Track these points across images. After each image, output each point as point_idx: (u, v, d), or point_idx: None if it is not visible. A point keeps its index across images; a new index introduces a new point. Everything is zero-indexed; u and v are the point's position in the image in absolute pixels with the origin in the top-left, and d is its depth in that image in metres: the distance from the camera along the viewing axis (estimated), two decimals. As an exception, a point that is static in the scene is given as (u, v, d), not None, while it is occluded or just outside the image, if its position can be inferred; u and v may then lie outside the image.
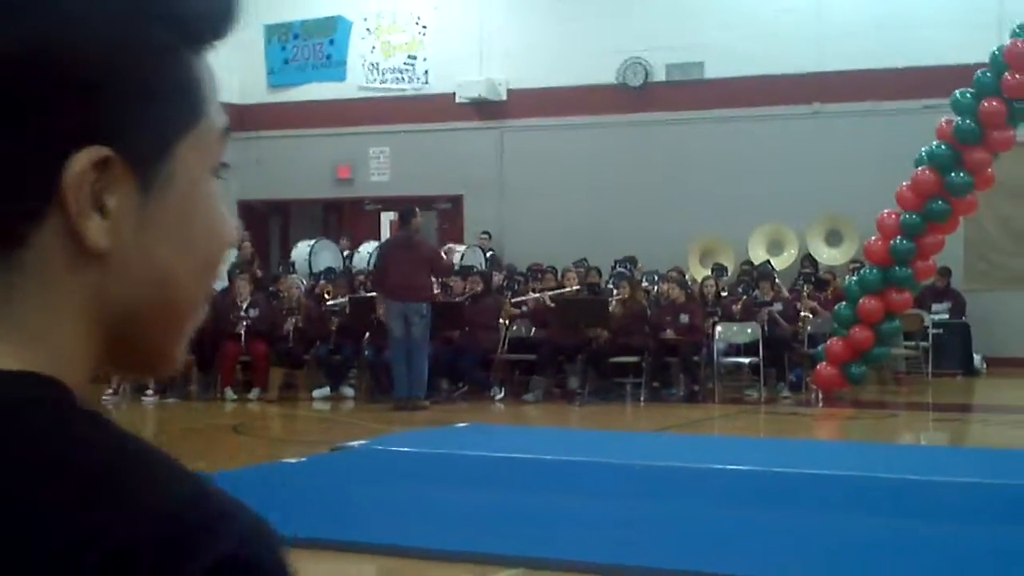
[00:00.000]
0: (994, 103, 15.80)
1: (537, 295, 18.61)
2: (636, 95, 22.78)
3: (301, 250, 22.19)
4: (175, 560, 0.92)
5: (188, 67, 1.06)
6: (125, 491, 0.94)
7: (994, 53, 15.99)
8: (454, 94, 23.95)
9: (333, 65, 25.22)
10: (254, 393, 17.54)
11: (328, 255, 22.03)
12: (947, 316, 19.84)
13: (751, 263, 20.86)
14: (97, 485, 0.94)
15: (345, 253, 22.44)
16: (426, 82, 24.49)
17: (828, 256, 21.24)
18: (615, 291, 18.26)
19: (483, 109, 23.89)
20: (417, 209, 17.51)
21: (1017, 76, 15.62)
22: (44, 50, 0.96)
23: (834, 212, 21.09)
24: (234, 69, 25.51)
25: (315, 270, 21.08)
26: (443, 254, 18.04)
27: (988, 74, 15.95)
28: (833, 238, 21.44)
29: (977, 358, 19.88)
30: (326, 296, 18.68)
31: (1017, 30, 15.83)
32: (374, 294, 17.42)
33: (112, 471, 0.95)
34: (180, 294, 1.04)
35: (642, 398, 17.17)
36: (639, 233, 21.85)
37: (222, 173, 1.11)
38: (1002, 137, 16.02)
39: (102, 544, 0.91)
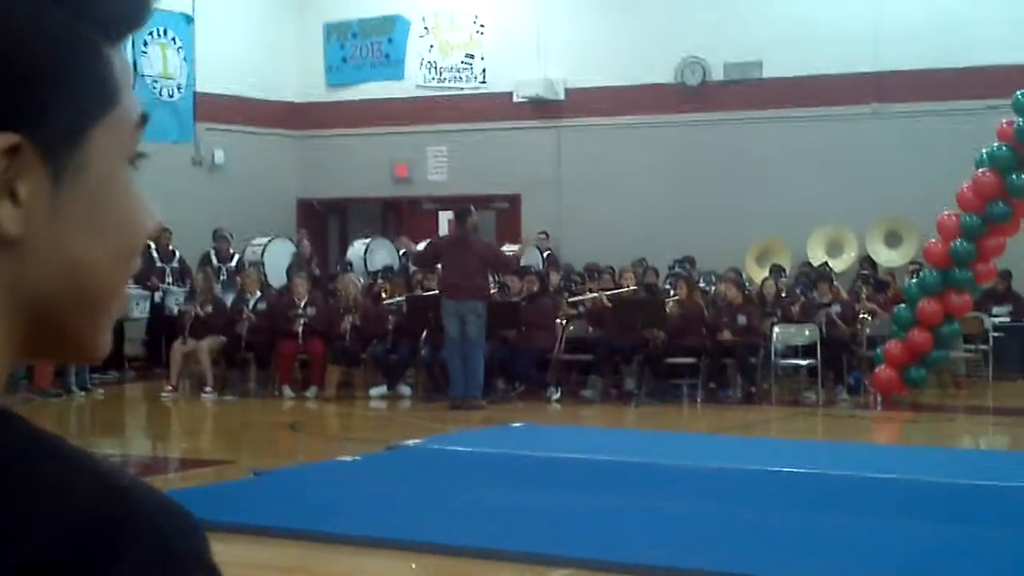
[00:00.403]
0: (1057, 104, 15.65)
1: (594, 295, 18.57)
2: (694, 94, 22.70)
3: (357, 249, 22.23)
4: (97, 563, 0.90)
5: (99, 55, 1.04)
6: (36, 491, 0.92)
7: (1057, 53, 15.84)
8: (512, 93, 23.95)
9: (391, 64, 25.27)
10: (311, 391, 17.60)
11: (384, 254, 22.05)
12: (1008, 319, 19.64)
13: (810, 264, 20.74)
14: (3, 486, 0.92)
15: (401, 252, 22.47)
16: (484, 81, 24.50)
17: (887, 257, 21.08)
18: (672, 291, 18.21)
19: (541, 108, 23.87)
20: (473, 208, 17.52)
21: (1080, 77, 15.48)
22: None
23: (893, 213, 20.94)
24: (292, 68, 25.70)
25: (371, 269, 21.12)
26: (503, 251, 17.97)
27: (1051, 74, 15.80)
28: (892, 239, 21.28)
29: (1038, 361, 19.69)
30: (383, 295, 18.72)
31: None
32: (431, 293, 17.46)
33: (21, 470, 0.94)
34: (95, 282, 1.03)
35: (699, 399, 17.13)
36: (696, 233, 21.78)
37: (136, 162, 1.10)
38: (1064, 138, 15.87)
39: (16, 552, 0.89)
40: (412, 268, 20.06)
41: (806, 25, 21.69)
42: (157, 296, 20.09)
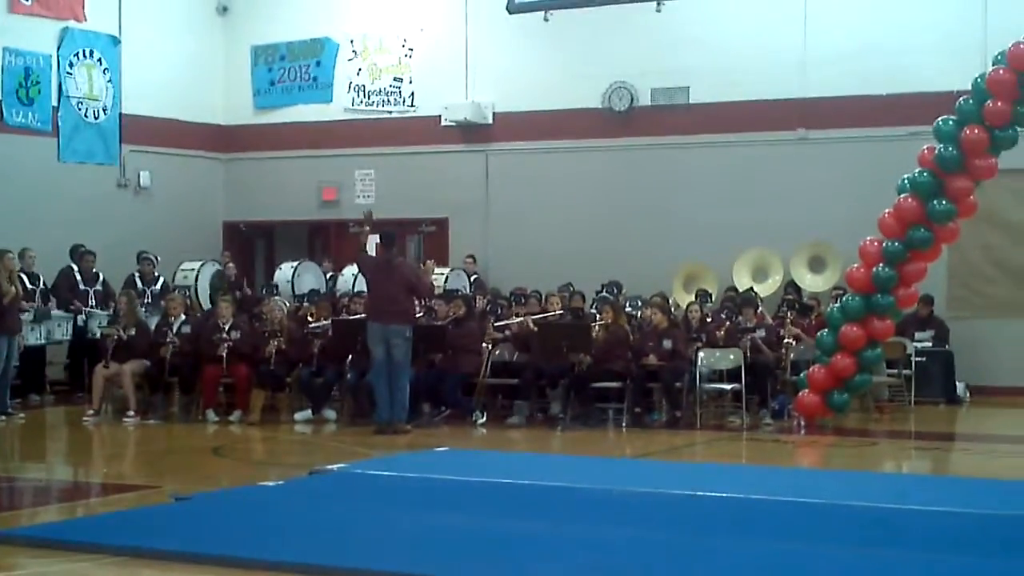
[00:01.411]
0: (976, 131, 15.83)
1: (520, 319, 18.59)
2: (621, 119, 22.80)
3: (284, 272, 22.14)
4: None
5: None
6: None
7: (976, 81, 16.01)
8: (440, 117, 23.98)
9: (319, 87, 25.24)
10: (235, 416, 17.47)
11: (311, 277, 21.98)
12: (930, 344, 19.85)
13: (735, 289, 20.85)
14: None
15: (328, 275, 22.40)
16: (412, 105, 24.50)
17: (810, 283, 21.23)
18: (598, 316, 18.24)
19: (469, 132, 23.91)
20: (396, 232, 17.51)
21: (999, 104, 15.66)
22: None
23: (817, 238, 21.10)
24: (220, 90, 25.60)
25: (298, 292, 21.03)
26: (422, 275, 17.93)
27: (970, 101, 15.98)
28: (816, 265, 21.43)
29: (960, 386, 19.88)
30: (309, 318, 18.64)
31: (999, 57, 15.86)
32: (357, 317, 17.38)
33: None
34: None
35: (624, 424, 17.15)
36: (623, 258, 21.88)
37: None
38: (984, 165, 16.05)
39: None
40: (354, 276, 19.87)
41: (733, 52, 21.86)
42: (80, 319, 19.92)
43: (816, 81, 21.41)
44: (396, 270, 16.60)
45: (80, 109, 22.81)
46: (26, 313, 18.70)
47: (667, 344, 17.34)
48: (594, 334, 17.57)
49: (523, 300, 19.77)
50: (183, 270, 21.60)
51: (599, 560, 8.51)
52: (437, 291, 19.42)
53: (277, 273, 22.52)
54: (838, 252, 20.58)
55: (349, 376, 17.72)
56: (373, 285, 16.66)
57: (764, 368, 17.69)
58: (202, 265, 21.71)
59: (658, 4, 21.93)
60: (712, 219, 21.76)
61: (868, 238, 16.68)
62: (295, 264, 22.37)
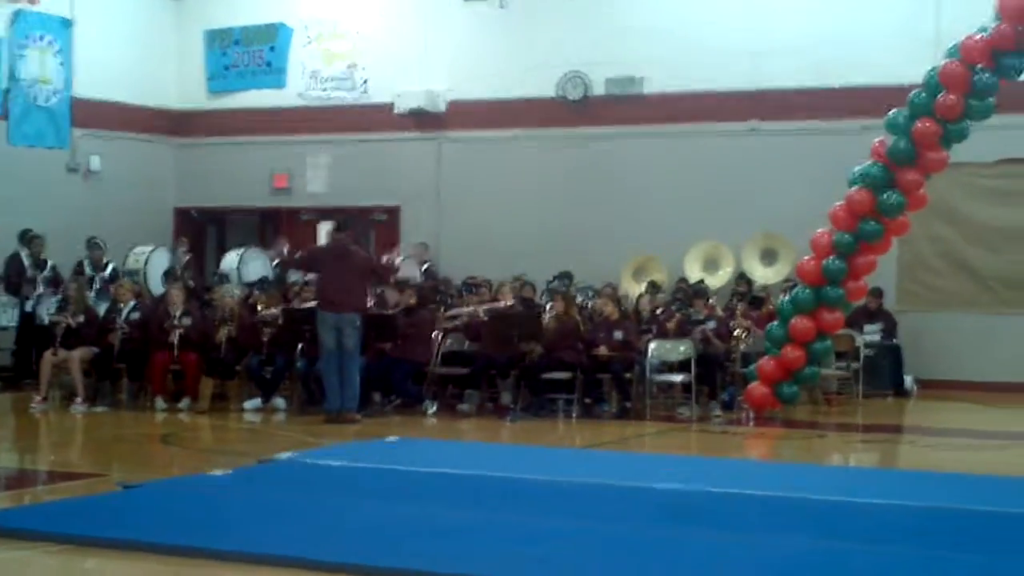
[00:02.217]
0: (928, 124, 15.91)
1: (471, 308, 18.57)
2: (575, 109, 22.81)
3: (230, 259, 22.02)
4: None
5: None
6: None
7: (929, 73, 16.08)
8: (393, 104, 23.91)
9: (273, 72, 25.14)
10: (184, 403, 17.39)
11: (258, 265, 21.86)
12: (879, 337, 19.95)
13: (686, 280, 20.89)
14: None
15: (275, 262, 22.31)
16: (365, 91, 24.43)
17: (762, 275, 21.31)
18: (549, 306, 18.24)
19: (422, 120, 23.86)
20: (351, 219, 17.44)
21: (951, 97, 15.73)
22: None
23: (769, 230, 21.17)
24: (173, 74, 25.46)
25: (244, 280, 20.92)
26: (383, 257, 17.88)
27: (923, 95, 16.05)
28: (767, 257, 21.51)
29: (908, 379, 20.01)
30: (259, 307, 18.55)
31: (952, 50, 15.93)
32: (308, 305, 17.30)
33: None
34: None
35: (574, 414, 17.16)
36: (574, 247, 21.91)
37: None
38: (936, 158, 16.13)
39: None
40: (283, 272, 19.90)
41: (687, 42, 21.91)
42: (28, 305, 19.77)
43: (769, 72, 21.48)
44: (350, 257, 16.54)
45: (31, 92, 22.65)
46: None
47: (618, 335, 17.35)
48: (545, 324, 17.57)
49: (474, 289, 19.76)
50: (134, 254, 21.46)
51: (547, 551, 8.51)
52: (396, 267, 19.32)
53: (223, 260, 22.40)
54: (790, 244, 20.65)
55: (299, 365, 17.66)
56: (326, 273, 16.57)
57: (714, 360, 17.74)
58: (152, 250, 21.59)
59: (613, -7, 21.97)
60: (663, 210, 21.81)
61: (819, 230, 16.74)
62: (241, 251, 22.25)
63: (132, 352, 17.76)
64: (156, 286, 20.68)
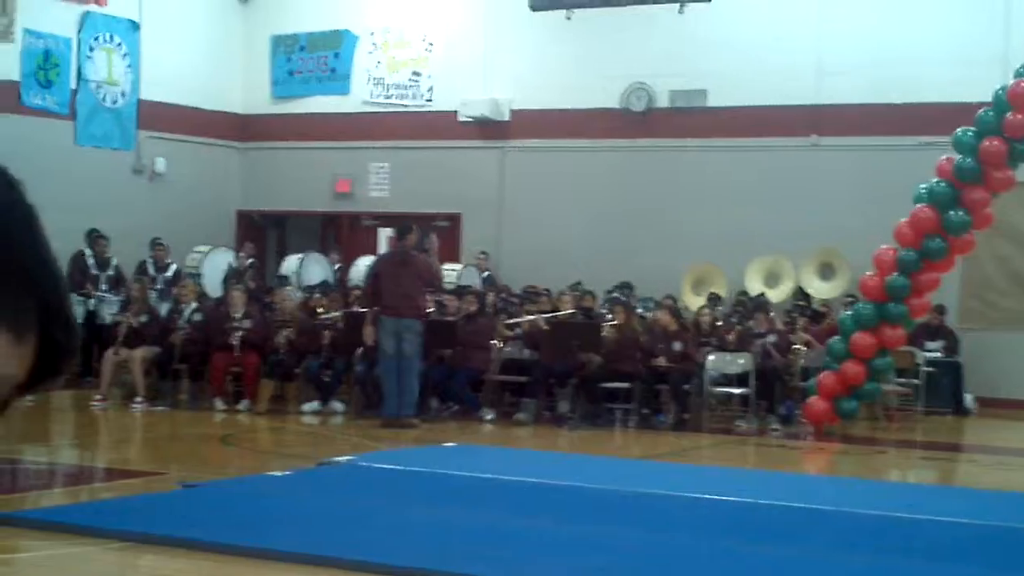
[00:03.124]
0: (995, 142, 15.79)
1: (531, 317, 18.58)
2: (638, 120, 22.79)
3: (291, 263, 22.14)
4: None
5: None
6: None
7: (997, 92, 15.97)
8: (457, 112, 23.96)
9: (338, 79, 25.24)
10: (243, 404, 17.48)
11: (318, 268, 21.96)
12: (940, 354, 19.81)
13: (746, 293, 20.82)
14: None
15: (336, 267, 22.40)
16: (430, 99, 24.49)
17: (817, 289, 21.20)
18: (609, 316, 18.23)
19: (485, 128, 23.89)
20: (414, 225, 17.47)
21: (1019, 116, 15.62)
22: None
23: (827, 245, 21.07)
24: (238, 79, 25.62)
25: (304, 283, 21.02)
26: (436, 269, 17.95)
27: (990, 113, 15.94)
28: (825, 271, 21.41)
29: (968, 397, 19.86)
30: (319, 310, 18.62)
31: (1021, 70, 15.82)
32: (366, 309, 17.35)
33: None
34: None
35: (632, 424, 17.14)
36: (635, 258, 21.86)
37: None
38: (1002, 177, 16.00)
39: None
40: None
41: (751, 57, 21.82)
42: (91, 304, 19.92)
43: (831, 88, 21.39)
44: (410, 264, 16.58)
45: (98, 93, 22.85)
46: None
47: (677, 347, 17.33)
48: (604, 334, 17.56)
49: (534, 298, 19.77)
50: (192, 255, 21.61)
51: (602, 560, 8.51)
52: (449, 287, 19.40)
53: (284, 264, 22.53)
54: (847, 260, 20.55)
55: (358, 368, 17.72)
56: (386, 279, 16.61)
57: (773, 373, 17.67)
58: (209, 251, 21.73)
59: (681, 6, 21.92)
60: (724, 223, 21.74)
61: (883, 246, 16.64)
62: (301, 255, 22.36)
63: (193, 353, 17.88)
64: (213, 287, 20.80)
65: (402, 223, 17.44)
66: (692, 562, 8.60)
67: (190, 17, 24.73)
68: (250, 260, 22.51)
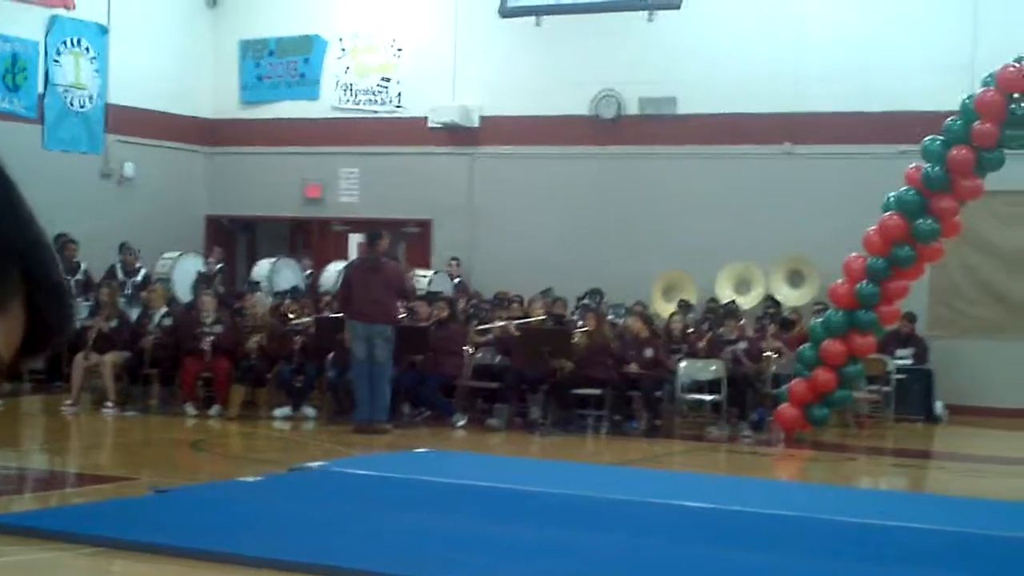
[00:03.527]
0: (963, 151, 15.84)
1: (503, 323, 18.58)
2: (608, 127, 22.81)
3: (262, 268, 22.08)
4: None
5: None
6: None
7: (964, 101, 16.03)
8: (426, 118, 23.95)
9: (307, 84, 25.19)
10: (214, 410, 17.43)
11: (289, 274, 21.92)
12: (910, 362, 19.88)
13: (716, 300, 20.87)
14: None
15: (307, 273, 22.35)
16: (399, 105, 24.47)
17: (787, 296, 21.27)
18: (580, 323, 18.24)
19: (455, 135, 23.88)
20: (383, 232, 17.46)
21: (987, 125, 15.68)
22: None
23: (797, 253, 21.13)
24: (207, 83, 25.54)
25: (275, 288, 20.98)
26: (407, 277, 17.96)
27: (958, 122, 16.00)
28: (795, 279, 21.47)
29: (938, 405, 19.92)
30: (290, 315, 18.58)
31: (989, 79, 15.90)
32: (340, 315, 17.32)
33: None
34: None
35: (604, 431, 17.16)
36: (606, 265, 21.87)
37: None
38: (970, 185, 16.07)
39: None
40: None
41: (722, 64, 21.87)
42: (60, 308, 19.78)
43: (804, 96, 21.43)
44: (381, 270, 16.56)
45: (66, 97, 22.76)
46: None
47: (648, 353, 17.36)
48: (576, 340, 17.57)
49: (506, 304, 19.77)
50: (162, 260, 21.55)
51: (573, 566, 8.52)
52: (421, 292, 19.40)
53: (255, 269, 22.47)
54: (817, 267, 20.61)
55: (329, 374, 17.69)
56: (357, 284, 16.59)
57: (744, 380, 17.72)
58: (179, 256, 21.67)
59: (650, 14, 21.96)
60: (695, 230, 21.77)
61: (852, 254, 16.70)
62: (273, 260, 22.32)
63: (163, 357, 17.82)
64: (183, 292, 20.74)
65: (372, 230, 17.41)
66: (664, 568, 8.61)
67: (158, 21, 24.65)
68: (219, 265, 22.46)
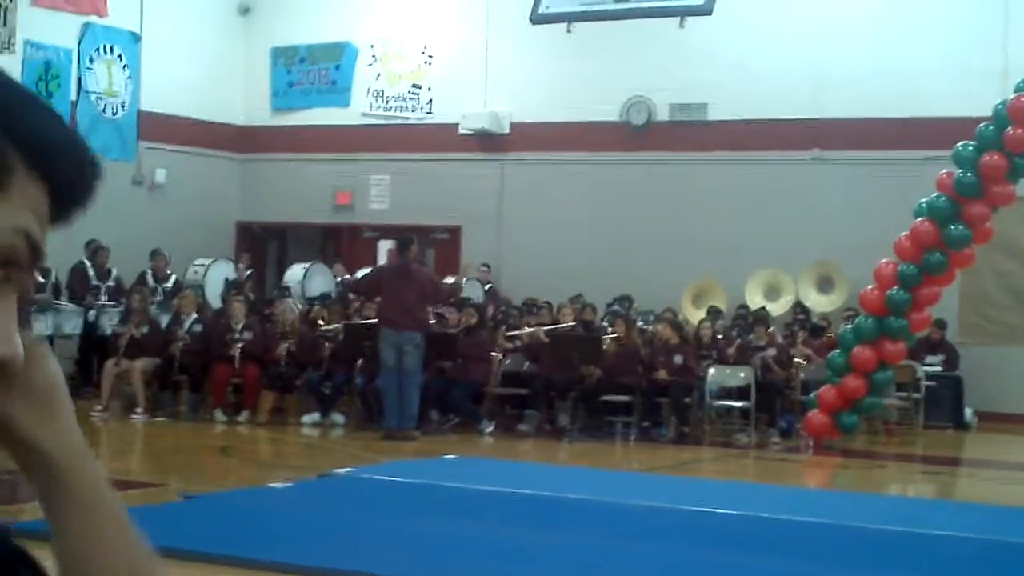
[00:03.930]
0: (995, 157, 15.80)
1: (532, 329, 18.59)
2: (638, 134, 22.80)
3: (295, 273, 22.16)
4: None
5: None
6: None
7: (997, 107, 15.98)
8: (457, 125, 23.97)
9: (338, 91, 25.25)
10: (244, 416, 17.49)
11: (322, 280, 21.99)
12: (940, 368, 19.81)
13: (746, 307, 20.84)
14: None
15: (338, 279, 22.41)
16: (430, 112, 24.50)
17: (816, 303, 21.22)
18: (610, 329, 18.24)
19: (485, 141, 23.90)
20: (414, 237, 17.51)
21: (1020, 131, 15.62)
22: None
23: (826, 259, 21.09)
24: (238, 91, 25.63)
25: (308, 295, 21.04)
26: (438, 281, 17.99)
27: (991, 128, 15.94)
28: (824, 285, 21.43)
29: (968, 412, 19.85)
30: (320, 322, 18.63)
31: (1021, 84, 15.84)
32: (369, 321, 17.37)
33: None
34: None
35: (632, 437, 17.15)
36: (635, 271, 21.84)
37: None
38: (1002, 191, 16.01)
39: None
40: (351, 296, 20.00)
41: (752, 70, 21.84)
42: (91, 314, 19.91)
43: (832, 103, 21.39)
44: (412, 276, 16.58)
45: (99, 104, 22.86)
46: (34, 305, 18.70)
47: (677, 360, 17.35)
48: (605, 347, 17.57)
49: (535, 310, 19.77)
50: (194, 267, 21.64)
51: (602, 572, 8.51)
52: (458, 289, 19.39)
53: (288, 275, 22.54)
54: (845, 273, 20.57)
55: (358, 381, 17.72)
56: (388, 291, 16.62)
57: (774, 387, 17.69)
58: (212, 263, 21.75)
59: (681, 20, 21.94)
60: (724, 236, 21.74)
61: (883, 260, 16.65)
62: (306, 266, 22.40)
63: (193, 364, 17.89)
64: (215, 298, 20.81)
65: (403, 236, 17.45)
66: (692, 575, 8.59)
67: (191, 29, 24.73)
68: (248, 271, 22.53)
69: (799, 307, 21.05)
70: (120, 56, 23.21)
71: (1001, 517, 11.86)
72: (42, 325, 19.20)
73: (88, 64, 22.65)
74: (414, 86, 24.67)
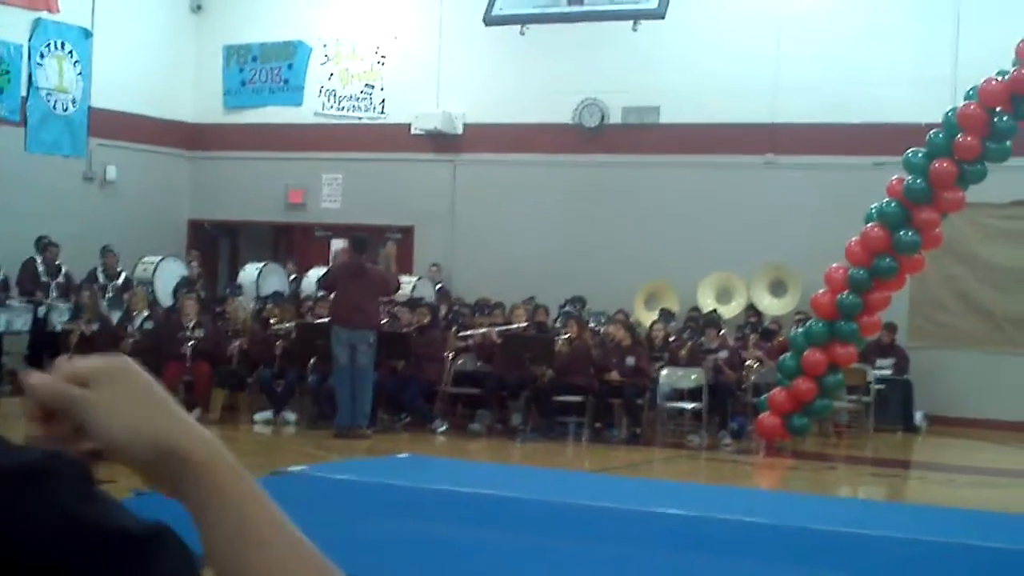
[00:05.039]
0: (945, 164, 15.90)
1: (484, 330, 18.60)
2: (591, 136, 22.84)
3: (249, 272, 22.08)
4: None
5: None
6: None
7: (947, 115, 16.09)
8: (410, 125, 23.95)
9: (290, 90, 25.18)
10: (195, 413, 17.34)
11: (276, 279, 21.93)
12: (890, 372, 19.94)
13: (698, 309, 20.91)
14: None
15: (292, 278, 22.35)
16: (382, 112, 24.47)
17: (768, 306, 21.32)
18: (562, 330, 18.27)
19: (438, 142, 23.89)
20: (369, 237, 17.50)
21: (969, 138, 15.74)
22: None
23: (778, 262, 21.19)
24: (190, 88, 25.52)
25: (262, 293, 20.98)
26: (388, 275, 17.93)
27: (940, 135, 16.06)
28: (777, 288, 21.53)
29: (918, 415, 19.98)
30: (272, 320, 18.59)
31: (971, 93, 15.97)
32: (321, 320, 17.33)
33: None
34: None
35: (584, 438, 17.18)
36: (588, 273, 21.89)
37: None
38: (952, 198, 16.12)
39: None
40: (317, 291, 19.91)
41: (705, 74, 21.91)
42: (41, 311, 19.79)
43: (785, 107, 21.50)
44: (365, 275, 16.57)
45: (49, 100, 22.71)
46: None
47: (630, 361, 17.38)
48: (557, 348, 17.60)
49: (487, 311, 19.78)
50: (143, 264, 21.53)
51: (551, 572, 8.52)
52: (402, 298, 19.38)
53: (242, 273, 22.46)
54: (798, 277, 20.68)
55: (311, 379, 17.68)
56: (341, 290, 16.61)
57: (725, 389, 17.75)
58: (161, 260, 21.65)
59: (635, 24, 21.97)
60: (677, 239, 21.81)
61: (834, 265, 16.74)
62: (261, 265, 22.32)
63: (144, 361, 17.59)
64: (165, 296, 20.71)
65: (357, 236, 17.42)
66: (640, 574, 8.62)
67: (142, 25, 24.62)
68: (197, 269, 22.45)
69: (751, 310, 21.14)
70: (71, 52, 23.07)
71: (950, 519, 11.95)
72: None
73: (39, 60, 22.50)
74: (367, 86, 24.64)
